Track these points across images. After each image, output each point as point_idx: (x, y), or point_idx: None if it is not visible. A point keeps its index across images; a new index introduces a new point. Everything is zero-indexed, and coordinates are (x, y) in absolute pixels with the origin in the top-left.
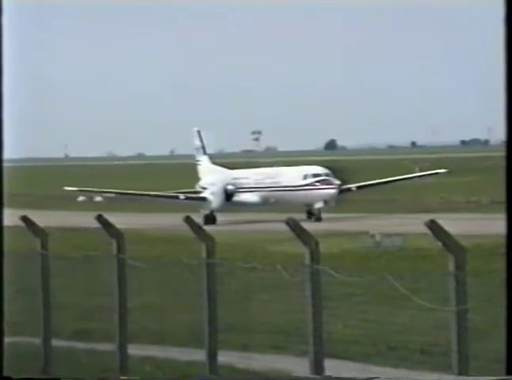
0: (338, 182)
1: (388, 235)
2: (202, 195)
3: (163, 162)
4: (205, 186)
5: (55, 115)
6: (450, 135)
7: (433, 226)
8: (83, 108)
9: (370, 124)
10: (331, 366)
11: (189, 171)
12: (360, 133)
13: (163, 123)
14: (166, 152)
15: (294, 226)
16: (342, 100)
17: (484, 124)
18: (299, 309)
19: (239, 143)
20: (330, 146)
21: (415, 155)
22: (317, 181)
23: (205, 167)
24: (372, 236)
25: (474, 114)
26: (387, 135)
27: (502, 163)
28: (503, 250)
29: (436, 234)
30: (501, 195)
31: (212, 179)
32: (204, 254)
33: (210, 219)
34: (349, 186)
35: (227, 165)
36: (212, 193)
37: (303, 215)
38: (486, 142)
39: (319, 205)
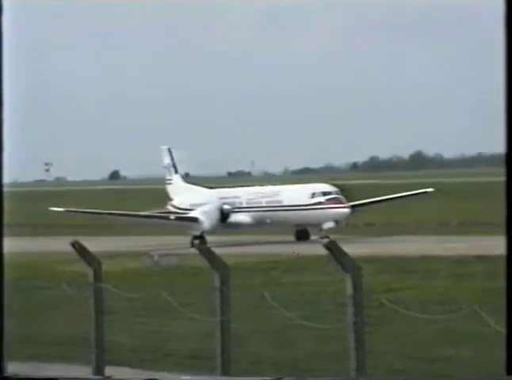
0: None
1: (166, 255)
2: (192, 214)
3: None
4: (184, 207)
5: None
6: (219, 168)
7: (200, 248)
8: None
9: (151, 157)
10: (112, 373)
11: None
12: (141, 164)
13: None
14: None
15: (79, 248)
16: (122, 135)
17: (248, 158)
18: (83, 322)
19: (32, 173)
20: (114, 176)
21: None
22: (327, 199)
23: (178, 186)
24: (151, 256)
25: (239, 149)
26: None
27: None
28: (263, 267)
29: (202, 254)
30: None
31: (194, 198)
32: None
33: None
34: None
35: (23, 194)
36: (205, 213)
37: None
38: (249, 173)
39: (328, 225)
